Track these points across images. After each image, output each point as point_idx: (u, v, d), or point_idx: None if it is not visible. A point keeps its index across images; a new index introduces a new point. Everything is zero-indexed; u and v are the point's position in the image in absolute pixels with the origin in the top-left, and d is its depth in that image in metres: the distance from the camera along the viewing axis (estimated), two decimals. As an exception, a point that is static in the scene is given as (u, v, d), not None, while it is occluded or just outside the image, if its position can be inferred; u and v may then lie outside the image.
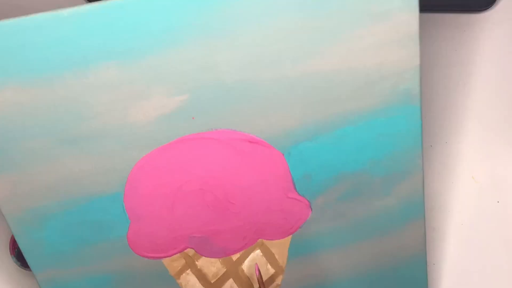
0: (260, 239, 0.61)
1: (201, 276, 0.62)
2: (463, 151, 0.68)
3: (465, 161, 0.68)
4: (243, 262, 0.62)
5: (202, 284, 0.63)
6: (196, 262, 0.62)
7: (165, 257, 0.61)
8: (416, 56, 0.55)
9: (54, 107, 0.53)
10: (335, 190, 0.60)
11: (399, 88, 0.56)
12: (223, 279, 0.63)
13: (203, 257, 0.62)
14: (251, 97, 0.55)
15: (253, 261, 0.62)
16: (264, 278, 0.64)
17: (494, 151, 0.68)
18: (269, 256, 0.62)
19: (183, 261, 0.61)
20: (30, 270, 0.62)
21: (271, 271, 0.63)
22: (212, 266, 0.62)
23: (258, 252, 0.62)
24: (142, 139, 0.55)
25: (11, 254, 0.64)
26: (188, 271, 0.62)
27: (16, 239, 0.58)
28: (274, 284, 0.64)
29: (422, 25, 0.54)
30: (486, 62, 0.67)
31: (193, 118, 0.55)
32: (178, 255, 0.61)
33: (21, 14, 0.52)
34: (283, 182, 0.59)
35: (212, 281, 0.63)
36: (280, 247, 0.62)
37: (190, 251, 0.61)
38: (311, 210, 0.60)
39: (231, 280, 0.63)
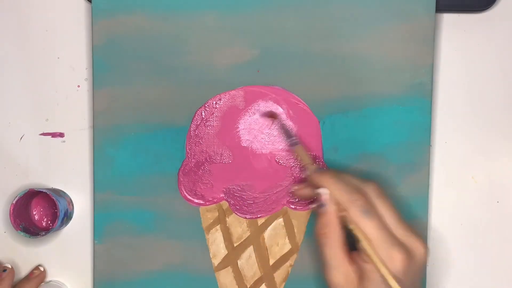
0: (285, 207, 0.68)
1: (227, 235, 0.68)
2: (463, 151, 0.69)
3: (465, 161, 0.69)
4: (266, 229, 0.68)
5: (225, 246, 0.68)
6: (227, 218, 0.69)
7: (203, 205, 0.69)
8: (430, 55, 0.66)
9: (162, 38, 0.69)
10: (356, 169, 0.67)
11: (415, 81, 0.67)
12: (245, 244, 0.68)
13: (234, 214, 0.68)
14: (304, 63, 0.68)
15: (275, 230, 0.68)
16: (279, 255, 0.68)
17: (494, 151, 0.69)
18: (289, 227, 0.68)
19: (216, 214, 0.69)
20: (40, 236, 0.67)
21: (287, 247, 0.68)
22: (239, 226, 0.68)
23: (280, 221, 0.68)
24: (218, 81, 0.69)
25: (17, 230, 0.67)
26: (218, 227, 0.68)
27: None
28: (287, 263, 0.68)
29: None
30: (486, 62, 0.69)
31: (258, 71, 0.68)
32: (213, 206, 0.69)
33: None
34: (314, 149, 0.68)
35: (235, 245, 0.68)
36: (300, 220, 0.68)
37: (224, 204, 0.69)
38: (334, 184, 0.67)
39: (251, 248, 0.68)
